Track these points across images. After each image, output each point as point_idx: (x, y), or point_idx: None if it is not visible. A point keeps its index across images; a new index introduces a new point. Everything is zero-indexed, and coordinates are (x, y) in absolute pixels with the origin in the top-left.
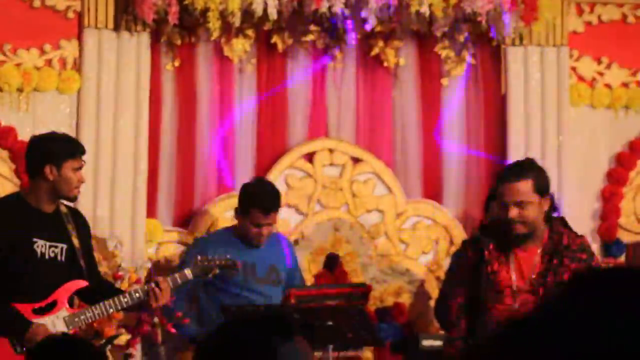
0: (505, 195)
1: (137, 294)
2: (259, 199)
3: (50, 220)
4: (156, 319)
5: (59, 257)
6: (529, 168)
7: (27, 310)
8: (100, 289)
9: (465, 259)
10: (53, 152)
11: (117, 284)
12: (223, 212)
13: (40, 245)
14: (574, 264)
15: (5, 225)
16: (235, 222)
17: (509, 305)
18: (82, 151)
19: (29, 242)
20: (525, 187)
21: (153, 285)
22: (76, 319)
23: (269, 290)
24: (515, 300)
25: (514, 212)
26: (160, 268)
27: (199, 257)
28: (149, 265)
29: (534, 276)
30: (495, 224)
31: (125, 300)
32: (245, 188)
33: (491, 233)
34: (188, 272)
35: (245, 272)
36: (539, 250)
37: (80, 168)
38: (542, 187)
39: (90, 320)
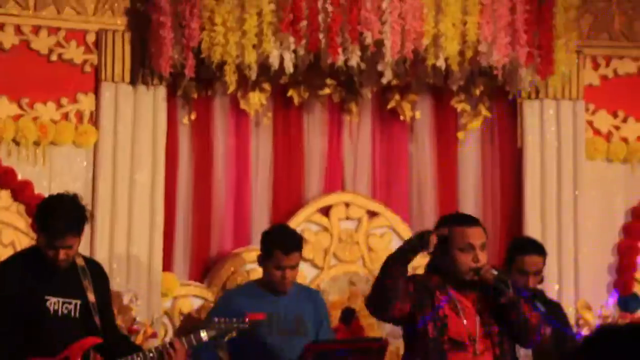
0: (474, 238)
1: (150, 354)
2: (279, 239)
3: (65, 276)
4: None
5: (72, 314)
6: None
7: None
8: (117, 345)
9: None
10: (42, 224)
11: (133, 338)
12: (239, 266)
13: (53, 303)
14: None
15: (17, 282)
16: (259, 276)
17: (471, 353)
18: (59, 234)
19: (41, 300)
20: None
21: (168, 345)
22: None
23: (295, 341)
24: (476, 349)
25: (484, 257)
26: (189, 322)
27: (216, 320)
28: (165, 319)
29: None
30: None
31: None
32: (266, 232)
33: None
34: (204, 334)
35: (271, 323)
36: (474, 296)
37: (59, 247)
38: None
39: None
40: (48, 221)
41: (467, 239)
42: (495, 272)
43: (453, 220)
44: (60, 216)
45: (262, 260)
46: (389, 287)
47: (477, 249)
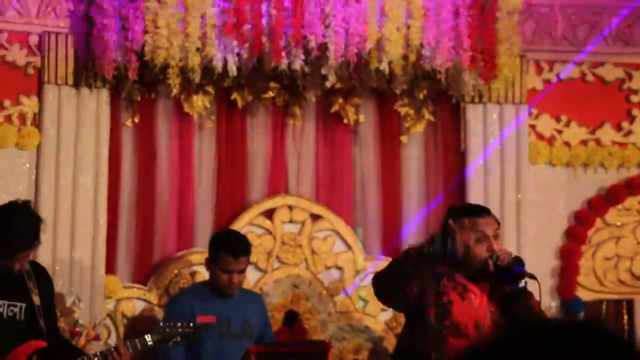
0: (487, 227)
1: (95, 358)
2: (228, 243)
3: (11, 279)
4: None
5: (18, 317)
6: None
7: None
8: (59, 349)
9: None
10: (5, 244)
11: (75, 340)
12: (183, 269)
13: None
14: None
15: None
16: (203, 278)
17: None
18: (29, 245)
19: None
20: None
21: (112, 349)
22: None
23: (242, 344)
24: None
25: (498, 245)
26: (135, 325)
27: (161, 324)
28: (108, 322)
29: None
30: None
31: None
32: (214, 235)
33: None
34: (148, 339)
35: (220, 327)
36: (487, 286)
37: (27, 257)
38: None
39: None
40: (15, 236)
41: (481, 229)
42: (513, 256)
43: (464, 212)
44: (25, 231)
45: (209, 264)
46: (397, 280)
47: (491, 238)
